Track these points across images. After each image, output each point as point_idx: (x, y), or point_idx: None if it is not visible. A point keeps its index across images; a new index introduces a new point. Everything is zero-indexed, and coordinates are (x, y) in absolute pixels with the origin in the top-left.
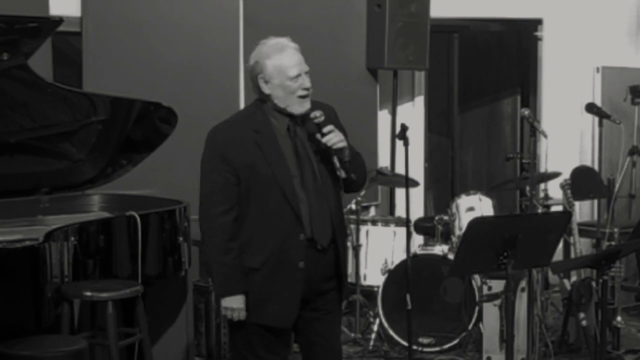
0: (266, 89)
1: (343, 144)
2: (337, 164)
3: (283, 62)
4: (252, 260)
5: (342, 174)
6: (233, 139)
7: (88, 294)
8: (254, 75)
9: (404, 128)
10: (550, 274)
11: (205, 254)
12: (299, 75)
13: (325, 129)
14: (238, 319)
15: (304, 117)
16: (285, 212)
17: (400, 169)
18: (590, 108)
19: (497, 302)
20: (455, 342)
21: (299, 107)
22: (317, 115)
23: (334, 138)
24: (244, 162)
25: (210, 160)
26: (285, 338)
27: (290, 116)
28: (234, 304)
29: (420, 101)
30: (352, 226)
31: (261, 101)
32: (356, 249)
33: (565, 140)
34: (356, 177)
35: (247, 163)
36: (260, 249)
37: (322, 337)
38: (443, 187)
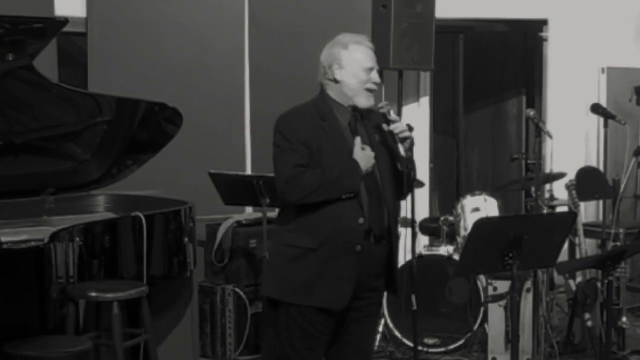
0: (338, 75)
1: (409, 133)
2: (403, 153)
3: (361, 53)
4: (310, 241)
5: (404, 163)
6: (303, 123)
7: (93, 294)
8: (329, 61)
9: (410, 129)
10: (555, 274)
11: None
12: (372, 69)
13: (393, 117)
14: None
15: (364, 114)
16: (349, 198)
17: None
18: (596, 109)
19: (503, 302)
20: (460, 342)
21: (364, 101)
22: (384, 105)
23: (400, 126)
24: (313, 145)
25: (283, 142)
26: (326, 336)
27: (354, 109)
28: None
29: (425, 102)
30: None
31: (320, 95)
32: None
33: (571, 141)
34: (414, 177)
35: (317, 146)
36: (320, 231)
37: (357, 339)
38: (448, 187)
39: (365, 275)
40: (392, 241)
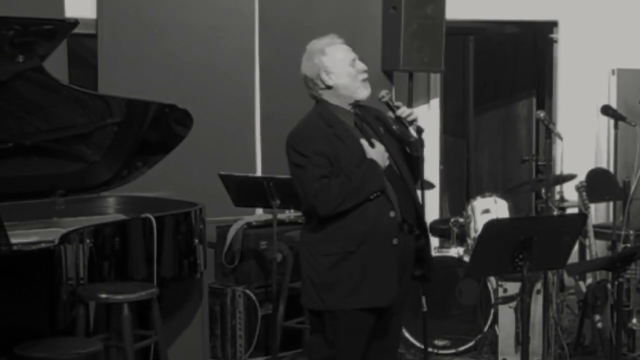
0: (330, 81)
1: (415, 115)
2: (415, 134)
3: (339, 52)
4: (348, 245)
5: (414, 146)
6: (315, 135)
7: (103, 296)
8: (314, 72)
9: (420, 130)
10: (565, 276)
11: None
12: (354, 60)
13: (397, 103)
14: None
15: (362, 111)
16: (377, 196)
17: None
18: (606, 110)
19: (513, 304)
20: (470, 344)
21: (364, 91)
22: (384, 94)
23: (406, 110)
24: (330, 153)
25: (300, 159)
26: (367, 336)
27: (355, 107)
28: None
29: (435, 103)
30: None
31: (319, 104)
32: None
33: (581, 142)
34: (422, 160)
35: (334, 154)
36: (355, 232)
37: (382, 336)
38: (458, 189)
39: (404, 268)
40: (425, 228)
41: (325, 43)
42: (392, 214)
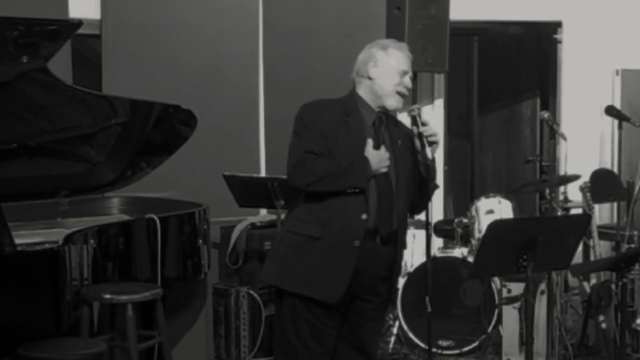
0: (372, 73)
1: (437, 138)
2: (430, 156)
3: (398, 56)
4: (314, 230)
5: (428, 169)
6: (324, 114)
7: (107, 296)
8: (366, 58)
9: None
10: (569, 276)
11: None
12: (406, 73)
13: (423, 120)
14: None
15: (389, 118)
16: (355, 193)
17: None
18: (610, 111)
19: (517, 304)
20: (474, 344)
21: (394, 102)
22: (415, 108)
23: (430, 129)
24: (331, 135)
25: (301, 130)
26: (331, 329)
27: (380, 111)
28: (376, 156)
29: (439, 104)
30: None
31: (350, 93)
32: None
33: (585, 142)
34: (433, 188)
35: (334, 138)
36: (325, 221)
37: (361, 342)
38: (462, 189)
39: (368, 275)
40: (397, 245)
41: (393, 45)
42: (363, 216)
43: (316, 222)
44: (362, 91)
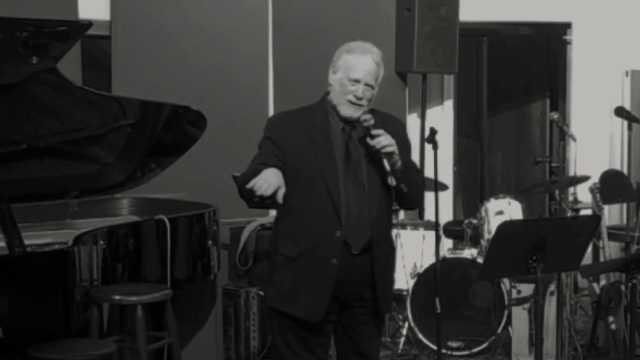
0: (330, 79)
1: (392, 148)
2: (388, 167)
3: (354, 62)
4: (290, 249)
5: (392, 181)
6: (288, 128)
7: (117, 297)
8: (332, 62)
9: (433, 132)
10: (579, 277)
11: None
12: (357, 82)
13: (375, 132)
14: (272, 190)
15: (356, 122)
16: (326, 207)
17: (429, 173)
18: (620, 112)
19: (526, 305)
20: (484, 345)
21: (346, 110)
22: (367, 118)
23: (383, 141)
24: (294, 152)
25: (263, 142)
26: (322, 339)
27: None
28: (269, 175)
29: (449, 105)
30: None
31: (323, 99)
32: None
33: (595, 144)
34: (407, 190)
35: (298, 154)
36: (299, 240)
37: (359, 346)
38: (472, 190)
39: (351, 285)
40: (374, 256)
41: (357, 49)
42: (337, 233)
43: (293, 241)
44: (331, 96)
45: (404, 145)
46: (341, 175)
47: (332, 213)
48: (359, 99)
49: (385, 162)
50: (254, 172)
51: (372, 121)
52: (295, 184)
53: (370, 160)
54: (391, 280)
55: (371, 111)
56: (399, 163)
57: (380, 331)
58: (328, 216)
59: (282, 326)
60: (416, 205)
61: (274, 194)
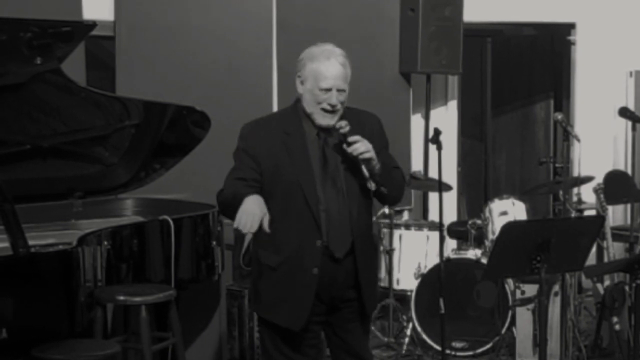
0: (300, 89)
1: (370, 154)
2: (367, 174)
3: (321, 70)
4: (270, 259)
5: (372, 185)
6: (262, 137)
7: (121, 298)
8: (296, 72)
9: (437, 132)
10: (583, 278)
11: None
12: (329, 90)
13: (351, 139)
14: (252, 223)
15: (332, 129)
16: (305, 216)
17: (433, 173)
18: (624, 112)
19: (530, 306)
20: (488, 346)
21: (321, 119)
22: (343, 125)
23: (360, 148)
24: (269, 161)
25: (237, 154)
26: (312, 341)
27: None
28: (250, 206)
29: (453, 105)
30: (385, 230)
31: (295, 105)
32: (389, 253)
33: (599, 144)
34: (388, 191)
35: (273, 163)
36: (279, 250)
37: (349, 345)
38: (476, 191)
39: (334, 288)
40: (357, 259)
41: (322, 53)
42: (318, 243)
43: (273, 250)
44: (304, 104)
45: (381, 142)
46: (319, 182)
47: (311, 222)
48: (333, 106)
49: (364, 168)
50: (233, 196)
51: (348, 128)
52: (272, 194)
53: (347, 167)
54: (375, 280)
55: (345, 109)
56: (378, 167)
57: (368, 329)
58: (307, 225)
59: (270, 331)
60: (397, 201)
61: (260, 226)
